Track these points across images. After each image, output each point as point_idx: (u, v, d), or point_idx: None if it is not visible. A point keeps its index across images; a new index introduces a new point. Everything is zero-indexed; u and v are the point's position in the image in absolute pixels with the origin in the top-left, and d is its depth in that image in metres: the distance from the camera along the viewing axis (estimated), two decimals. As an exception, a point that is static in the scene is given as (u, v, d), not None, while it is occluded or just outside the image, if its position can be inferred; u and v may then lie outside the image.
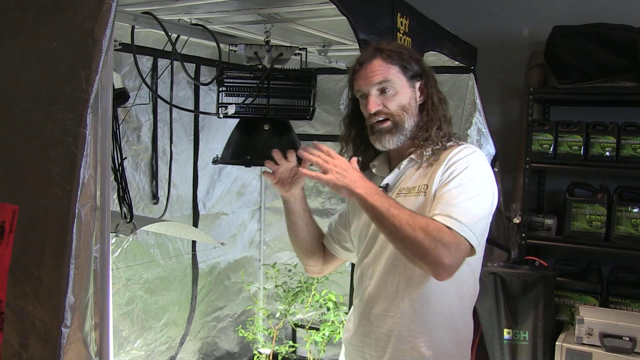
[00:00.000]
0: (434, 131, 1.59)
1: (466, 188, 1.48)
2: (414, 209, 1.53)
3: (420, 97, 1.62)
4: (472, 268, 1.59)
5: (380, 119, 1.58)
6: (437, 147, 1.59)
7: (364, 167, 1.72)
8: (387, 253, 1.60)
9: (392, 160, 1.71)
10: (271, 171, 1.70)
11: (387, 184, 1.64)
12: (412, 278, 1.57)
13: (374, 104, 1.57)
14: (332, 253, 1.86)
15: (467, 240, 1.42)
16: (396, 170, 1.64)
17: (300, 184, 1.72)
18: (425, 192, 1.54)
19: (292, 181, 1.70)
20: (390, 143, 1.59)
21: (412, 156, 1.61)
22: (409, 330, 1.58)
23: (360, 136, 1.72)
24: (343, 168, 1.44)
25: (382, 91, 1.58)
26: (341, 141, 1.75)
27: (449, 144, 1.61)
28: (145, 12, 2.07)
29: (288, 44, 2.52)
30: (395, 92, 1.58)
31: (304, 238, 1.80)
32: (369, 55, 1.60)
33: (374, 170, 1.73)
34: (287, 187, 1.70)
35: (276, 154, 1.68)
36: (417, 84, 1.62)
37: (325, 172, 1.44)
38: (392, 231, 1.42)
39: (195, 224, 3.02)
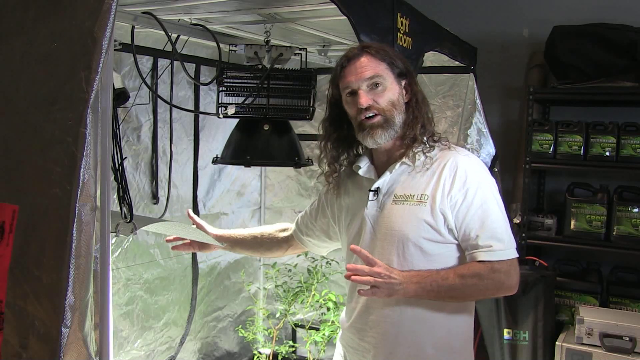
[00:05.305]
0: (419, 130, 1.60)
1: (489, 206, 1.53)
2: (413, 217, 1.54)
3: (405, 95, 1.63)
4: None
5: (370, 114, 1.57)
6: (427, 148, 1.59)
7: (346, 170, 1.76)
8: (383, 260, 1.57)
9: (376, 162, 1.68)
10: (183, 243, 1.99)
11: (378, 188, 1.63)
12: None
13: (365, 99, 1.56)
14: (302, 245, 1.96)
15: (513, 255, 1.52)
16: (387, 174, 1.62)
17: (209, 244, 2.00)
18: (426, 202, 1.53)
19: (200, 245, 1.99)
20: (382, 138, 1.58)
21: (405, 160, 1.60)
22: (413, 332, 1.58)
23: (340, 139, 1.71)
24: (388, 275, 1.46)
25: (372, 87, 1.57)
26: (320, 144, 1.74)
27: (437, 145, 1.62)
28: (145, 12, 2.06)
29: (288, 44, 2.52)
30: (385, 88, 1.58)
31: (249, 252, 2.10)
32: (357, 53, 1.60)
33: (360, 172, 1.69)
34: (203, 249, 2.02)
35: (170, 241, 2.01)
36: (403, 82, 1.62)
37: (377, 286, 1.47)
38: (456, 297, 1.55)
39: (196, 224, 3.01)
